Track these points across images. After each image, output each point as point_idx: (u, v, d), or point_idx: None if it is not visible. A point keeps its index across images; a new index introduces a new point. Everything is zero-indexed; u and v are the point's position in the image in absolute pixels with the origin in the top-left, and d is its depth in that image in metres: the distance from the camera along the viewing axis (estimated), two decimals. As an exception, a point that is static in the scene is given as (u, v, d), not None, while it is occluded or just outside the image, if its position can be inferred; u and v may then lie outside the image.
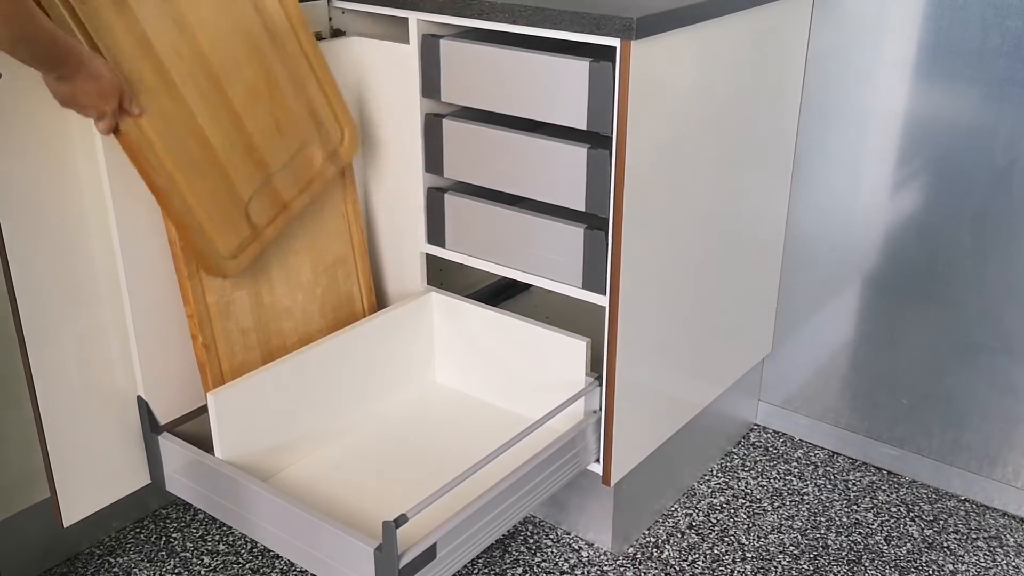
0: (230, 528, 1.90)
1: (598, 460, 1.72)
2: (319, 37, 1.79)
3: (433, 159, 1.77)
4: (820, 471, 2.10)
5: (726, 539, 1.90)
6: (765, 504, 1.99)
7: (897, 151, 1.91)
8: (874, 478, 2.08)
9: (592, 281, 1.63)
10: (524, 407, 1.83)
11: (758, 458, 2.14)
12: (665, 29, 1.49)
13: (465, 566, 1.79)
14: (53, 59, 1.23)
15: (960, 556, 1.86)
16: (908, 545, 1.89)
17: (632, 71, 1.46)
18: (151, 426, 1.60)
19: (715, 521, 1.94)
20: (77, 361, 1.50)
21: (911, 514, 1.97)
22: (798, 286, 2.11)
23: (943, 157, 1.86)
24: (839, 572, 1.82)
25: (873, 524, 1.94)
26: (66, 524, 1.55)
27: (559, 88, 1.55)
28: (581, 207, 1.60)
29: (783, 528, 1.92)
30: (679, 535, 1.90)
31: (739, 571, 1.81)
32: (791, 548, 1.87)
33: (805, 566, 1.83)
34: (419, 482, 1.65)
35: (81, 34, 1.34)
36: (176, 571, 1.80)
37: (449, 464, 1.70)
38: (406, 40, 1.74)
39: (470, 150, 1.71)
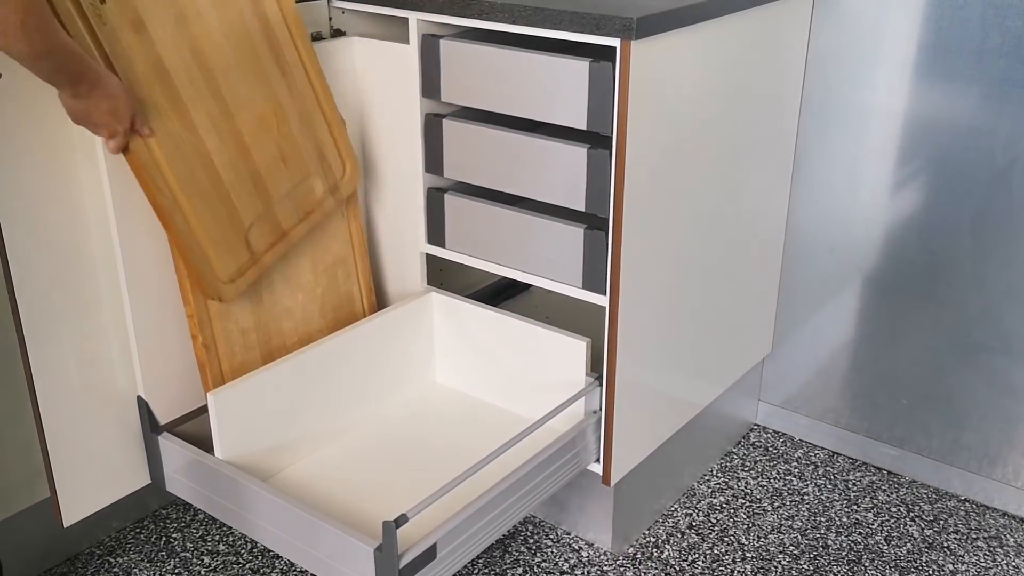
0: (230, 528, 1.90)
1: (598, 460, 1.72)
2: (319, 37, 1.79)
3: (433, 159, 1.77)
4: (820, 471, 2.10)
5: (726, 539, 1.89)
6: (765, 504, 1.99)
7: (897, 151, 1.91)
8: (874, 478, 2.08)
9: (592, 281, 1.63)
10: (524, 407, 1.83)
11: (758, 458, 2.14)
12: (665, 29, 1.49)
13: (465, 566, 1.79)
14: (72, 76, 1.25)
15: (960, 556, 1.86)
16: (908, 545, 1.89)
17: (632, 71, 1.46)
18: (151, 426, 1.60)
19: (715, 521, 1.94)
20: (77, 361, 1.50)
21: (911, 514, 1.97)
22: (798, 286, 2.11)
23: (943, 157, 1.86)
24: (839, 572, 1.82)
25: (873, 524, 1.94)
26: (66, 524, 1.55)
27: (559, 88, 1.55)
28: (581, 207, 1.60)
29: (783, 528, 1.92)
30: (679, 535, 1.90)
31: (739, 571, 1.81)
32: (791, 548, 1.87)
33: (805, 566, 1.83)
34: (419, 482, 1.65)
35: (99, 54, 1.37)
36: (176, 571, 1.80)
37: (449, 464, 1.70)
38: (406, 40, 1.74)
39: (470, 150, 1.71)
